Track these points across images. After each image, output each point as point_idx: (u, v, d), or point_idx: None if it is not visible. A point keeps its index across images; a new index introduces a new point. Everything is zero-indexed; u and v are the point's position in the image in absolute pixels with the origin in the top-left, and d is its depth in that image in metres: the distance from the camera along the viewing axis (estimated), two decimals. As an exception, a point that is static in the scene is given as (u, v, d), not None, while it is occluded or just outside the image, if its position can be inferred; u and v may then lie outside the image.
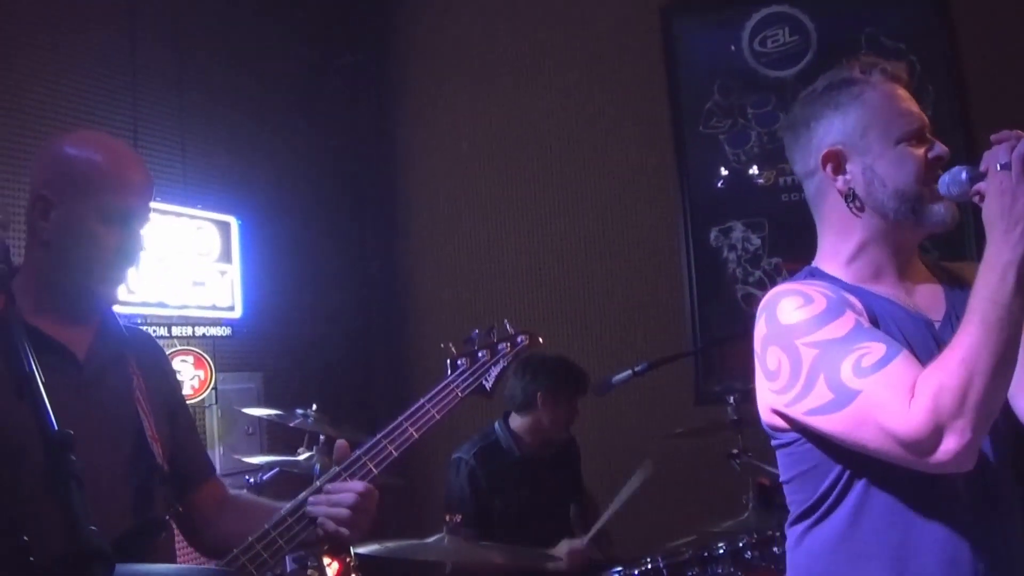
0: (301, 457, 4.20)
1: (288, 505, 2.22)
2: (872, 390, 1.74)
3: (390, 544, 3.59)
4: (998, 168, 1.75)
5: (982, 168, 1.80)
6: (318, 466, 4.12)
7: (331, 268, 5.89)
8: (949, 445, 1.66)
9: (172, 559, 2.34)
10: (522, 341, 2.58)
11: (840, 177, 2.00)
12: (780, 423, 1.97)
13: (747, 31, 5.57)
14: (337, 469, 2.27)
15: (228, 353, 4.95)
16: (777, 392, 1.92)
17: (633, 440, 5.43)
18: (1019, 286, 1.69)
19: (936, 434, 1.67)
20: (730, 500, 4.20)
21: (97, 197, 2.08)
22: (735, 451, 4.13)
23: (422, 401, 2.36)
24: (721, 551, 3.81)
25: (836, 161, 2.00)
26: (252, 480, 4.27)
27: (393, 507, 5.71)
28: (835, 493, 1.92)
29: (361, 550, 3.64)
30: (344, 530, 2.18)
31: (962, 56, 5.09)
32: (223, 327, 4.81)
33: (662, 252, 5.65)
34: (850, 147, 1.99)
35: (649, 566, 3.80)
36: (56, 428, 1.30)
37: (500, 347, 2.53)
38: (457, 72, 6.20)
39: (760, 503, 4.11)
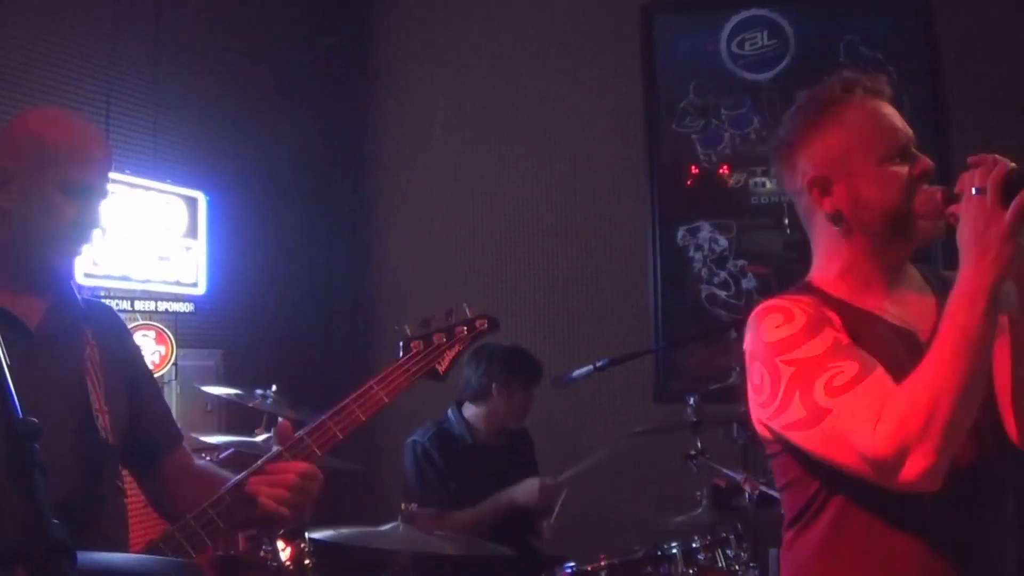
0: (259, 439, 4.18)
1: (228, 483, 2.16)
2: (842, 410, 1.77)
3: (344, 530, 3.58)
4: (973, 192, 1.75)
5: (957, 190, 1.81)
6: (275, 447, 4.11)
7: (297, 248, 5.87)
8: (914, 467, 1.68)
9: (123, 533, 2.32)
10: (481, 326, 2.50)
11: (827, 199, 1.99)
12: (767, 435, 2.00)
13: (726, 32, 5.59)
14: (279, 449, 2.21)
15: (190, 329, 4.92)
16: (760, 406, 1.95)
17: (591, 435, 5.46)
18: (988, 313, 1.70)
19: (900, 455, 1.68)
20: (684, 499, 4.23)
21: (58, 169, 2.07)
22: (692, 452, 4.15)
23: (371, 383, 2.29)
24: (674, 551, 3.82)
25: (821, 185, 1.99)
26: (208, 459, 4.26)
27: (348, 493, 5.74)
28: (815, 504, 1.95)
29: (315, 535, 3.63)
30: (283, 510, 2.11)
31: (941, 69, 5.13)
32: (186, 303, 4.78)
33: (629, 248, 5.67)
34: (834, 170, 1.98)
35: (603, 563, 3.80)
36: (21, 416, 1.28)
37: (457, 331, 2.45)
38: (434, 59, 6.19)
39: (715, 504, 4.14)
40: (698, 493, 4.19)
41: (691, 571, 3.80)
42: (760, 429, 2.04)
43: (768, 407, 1.92)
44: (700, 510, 4.15)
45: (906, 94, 5.10)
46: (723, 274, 5.52)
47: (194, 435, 4.38)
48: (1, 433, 1.27)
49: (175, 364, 4.67)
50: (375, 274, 6.25)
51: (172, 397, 4.76)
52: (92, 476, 2.11)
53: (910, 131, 2.00)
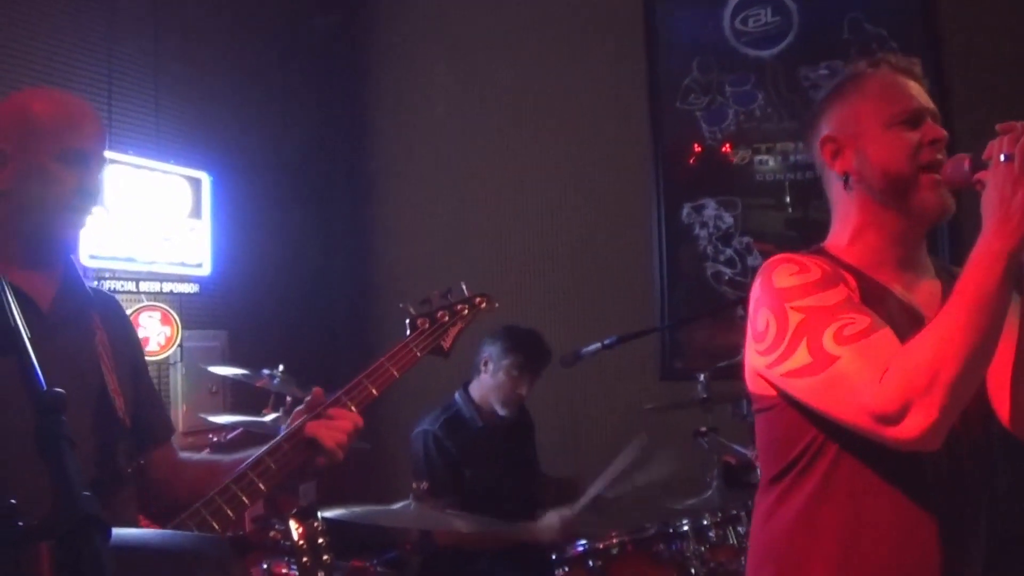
0: (267, 418, 4.17)
1: (283, 432, 2.23)
2: (849, 358, 1.78)
3: (356, 509, 3.57)
4: (1002, 159, 1.76)
5: (985, 156, 1.81)
6: (284, 427, 4.10)
7: (301, 228, 5.85)
8: (916, 421, 1.68)
9: (136, 514, 2.32)
10: (479, 303, 2.66)
11: (838, 161, 2.05)
12: (761, 387, 2.01)
13: (729, 9, 5.55)
14: (338, 394, 2.29)
15: (195, 310, 4.92)
16: (761, 353, 1.95)
17: (597, 413, 5.46)
18: (1006, 277, 1.71)
19: (903, 409, 1.69)
20: (694, 477, 4.22)
21: (53, 140, 2.09)
22: (703, 429, 4.14)
23: (382, 360, 2.38)
24: (685, 528, 3.82)
25: (832, 146, 2.05)
26: (216, 439, 4.25)
27: (356, 473, 5.73)
28: (804, 460, 1.95)
29: (328, 514, 3.62)
30: (340, 454, 2.20)
31: (943, 46, 5.10)
32: (191, 284, 4.77)
33: (634, 226, 5.64)
34: (846, 132, 2.04)
35: (614, 540, 3.80)
36: (45, 387, 1.27)
37: (459, 308, 2.59)
38: (435, 37, 6.16)
39: (725, 481, 4.13)
40: (708, 472, 4.18)
41: (702, 548, 3.81)
42: (752, 382, 2.05)
43: (771, 354, 1.92)
44: (711, 488, 4.14)
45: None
46: (728, 251, 5.50)
47: (201, 415, 4.38)
48: (24, 404, 1.25)
49: (180, 345, 4.66)
50: (378, 253, 6.23)
51: (178, 378, 4.76)
52: (111, 457, 2.12)
53: (930, 105, 2.03)
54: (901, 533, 1.89)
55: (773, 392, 1.98)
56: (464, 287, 2.66)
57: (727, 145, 5.54)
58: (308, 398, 2.30)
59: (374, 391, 2.33)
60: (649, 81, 5.67)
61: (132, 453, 2.26)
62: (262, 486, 2.15)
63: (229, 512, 2.10)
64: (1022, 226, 1.70)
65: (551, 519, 4.24)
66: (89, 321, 2.20)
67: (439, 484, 4.14)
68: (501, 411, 4.49)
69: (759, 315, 1.96)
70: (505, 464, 4.39)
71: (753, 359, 2.00)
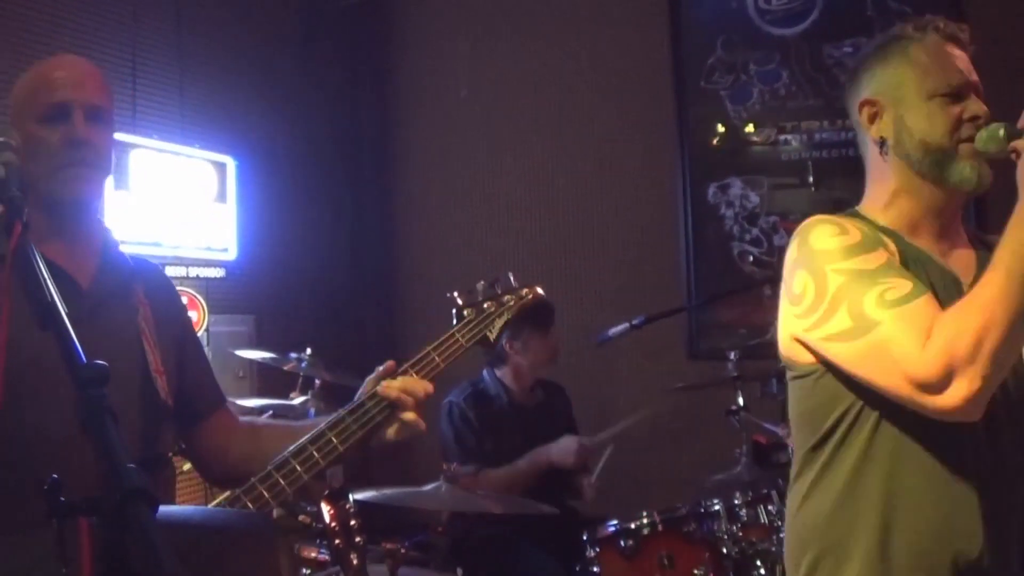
0: (296, 401, 4.18)
1: (360, 395, 2.24)
2: (891, 323, 1.75)
3: (387, 491, 3.57)
4: None
5: (1020, 125, 1.80)
6: (313, 410, 4.11)
7: (327, 212, 5.86)
8: (958, 390, 1.66)
9: (172, 498, 2.32)
10: (527, 295, 2.60)
11: (873, 125, 2.02)
12: (798, 353, 1.96)
13: (753, -13, 5.53)
14: (406, 364, 2.29)
15: (221, 295, 4.92)
16: (799, 316, 1.92)
17: (627, 392, 5.44)
18: None
19: (946, 377, 1.66)
20: (725, 456, 4.21)
21: (32, 105, 2.09)
22: (734, 407, 4.12)
23: (428, 350, 2.35)
24: (716, 507, 3.81)
25: (871, 109, 2.02)
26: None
27: (385, 455, 5.73)
28: (843, 428, 1.92)
29: (359, 496, 3.62)
30: (419, 418, 2.24)
31: (969, 21, 5.04)
32: (217, 268, 4.78)
33: (660, 207, 5.63)
34: (886, 97, 2.00)
35: (645, 520, 3.79)
36: (85, 360, 1.26)
37: (506, 299, 2.54)
38: (459, 18, 6.14)
39: (755, 460, 4.12)
40: (737, 450, 4.17)
41: (734, 527, 3.79)
42: (788, 347, 1.99)
43: (809, 316, 1.89)
44: (740, 467, 4.13)
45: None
46: (755, 231, 5.47)
47: (229, 400, 4.38)
48: (65, 379, 1.24)
49: (207, 330, 4.66)
50: (404, 235, 6.23)
51: (206, 362, 4.76)
52: (153, 439, 2.10)
53: (974, 78, 2.00)
54: (942, 504, 1.86)
55: (810, 358, 1.93)
56: (511, 277, 2.60)
57: (753, 124, 5.51)
58: (381, 368, 2.29)
59: (421, 378, 2.30)
60: (673, 60, 5.64)
61: (174, 435, 2.25)
62: (340, 446, 2.15)
63: (302, 471, 2.11)
64: None
65: (567, 441, 4.27)
66: (132, 296, 2.17)
67: (463, 451, 4.19)
68: (547, 372, 4.55)
69: (796, 277, 1.93)
70: (530, 441, 4.38)
71: (789, 323, 1.96)
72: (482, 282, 2.55)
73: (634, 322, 4.24)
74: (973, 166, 1.93)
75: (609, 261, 5.70)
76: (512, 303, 2.54)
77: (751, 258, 5.48)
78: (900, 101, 1.98)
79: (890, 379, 1.75)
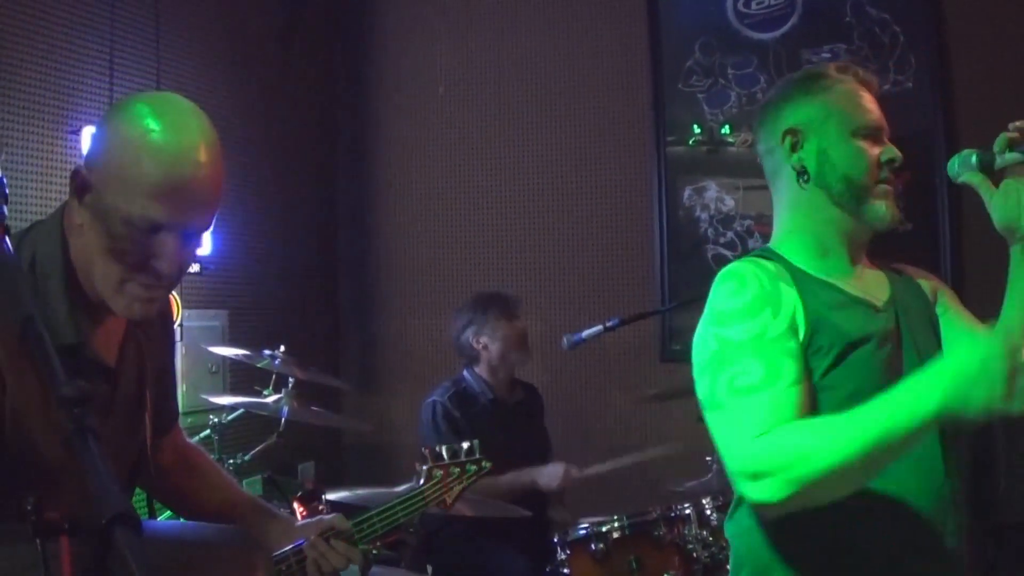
0: (269, 399, 4.17)
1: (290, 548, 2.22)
2: (732, 412, 1.84)
3: (360, 491, 3.58)
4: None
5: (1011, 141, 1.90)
6: (286, 408, 4.11)
7: (302, 208, 5.84)
8: (761, 493, 1.74)
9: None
10: (487, 467, 2.75)
11: (795, 154, 2.10)
12: None
13: (732, -9, 5.54)
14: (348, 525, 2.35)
15: (195, 290, 4.89)
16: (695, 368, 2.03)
17: (598, 395, 5.46)
18: (921, 430, 1.68)
19: (755, 477, 1.74)
20: (696, 461, 4.24)
21: (129, 188, 1.76)
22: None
23: (394, 502, 2.49)
24: (687, 512, 3.83)
25: (794, 138, 2.10)
26: (216, 420, 4.25)
27: (358, 455, 5.75)
28: None
29: (332, 496, 3.63)
30: None
31: (946, 29, 5.09)
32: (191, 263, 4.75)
33: (635, 209, 5.65)
34: (810, 129, 2.09)
35: (616, 524, 3.81)
36: (64, 382, 1.25)
37: (469, 468, 2.71)
38: (436, 16, 6.12)
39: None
40: (708, 456, 4.19)
41: (704, 532, 3.82)
42: None
43: (696, 371, 2.00)
44: (711, 472, 4.16)
45: (912, 54, 5.08)
46: (730, 234, 5.49)
47: (201, 396, 4.37)
48: (46, 401, 1.24)
49: (180, 325, 4.64)
50: (378, 233, 6.21)
51: (178, 358, 4.74)
52: (136, 467, 2.08)
53: (886, 124, 2.11)
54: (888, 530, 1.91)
55: None
56: (477, 448, 2.74)
57: (729, 127, 5.54)
58: (329, 518, 2.34)
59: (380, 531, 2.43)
60: (651, 63, 5.65)
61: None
62: None
63: None
64: (975, 400, 1.59)
65: (556, 468, 4.31)
66: (140, 351, 2.05)
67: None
68: (521, 359, 4.59)
69: (700, 330, 2.04)
70: (514, 440, 4.40)
71: None
72: (446, 447, 2.70)
73: (608, 324, 4.25)
74: (888, 205, 2.04)
75: (583, 262, 5.71)
76: (474, 473, 2.71)
77: (726, 261, 5.49)
78: (824, 134, 2.07)
79: (725, 457, 1.85)
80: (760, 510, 1.83)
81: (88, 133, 4.14)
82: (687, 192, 5.56)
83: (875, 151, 2.04)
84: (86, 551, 1.12)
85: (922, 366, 1.74)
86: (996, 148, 1.88)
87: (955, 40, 5.11)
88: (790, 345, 1.90)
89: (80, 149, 4.13)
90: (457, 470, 2.66)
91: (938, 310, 2.13)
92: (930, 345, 2.03)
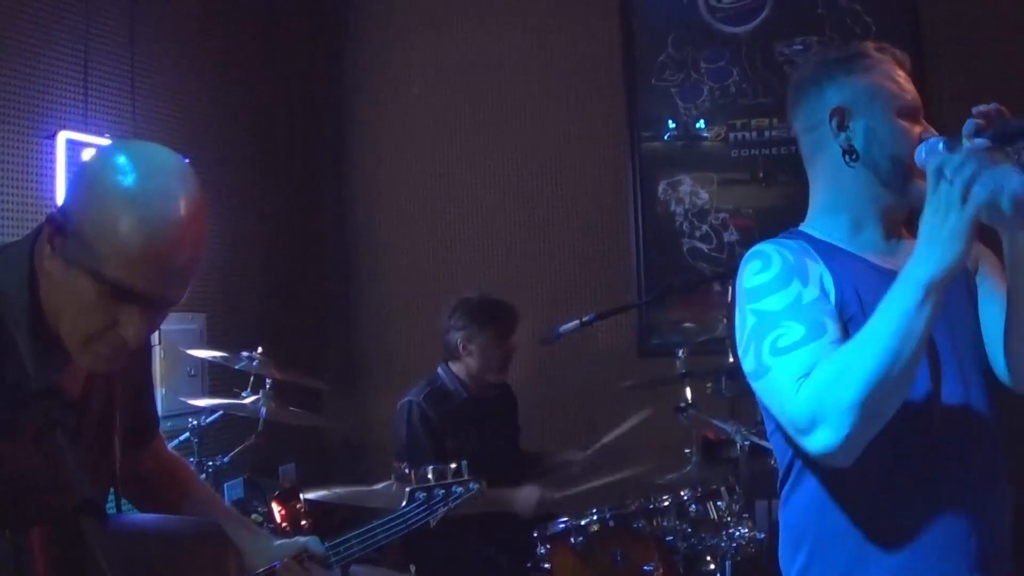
0: (247, 400, 4.16)
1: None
2: (777, 370, 1.87)
3: (338, 490, 3.58)
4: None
5: (975, 130, 1.86)
6: (264, 409, 4.10)
7: (281, 209, 5.82)
8: (822, 438, 1.75)
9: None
10: (474, 488, 2.68)
11: (843, 133, 2.08)
12: None
13: (704, -15, 5.57)
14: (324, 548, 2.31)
15: (172, 294, 4.86)
16: (740, 350, 2.03)
17: (576, 390, 5.47)
18: (924, 304, 1.72)
19: (811, 423, 1.76)
20: (674, 453, 4.26)
21: (102, 257, 1.71)
22: (683, 404, 4.17)
23: (374, 524, 2.44)
24: (666, 503, 3.85)
25: (841, 117, 2.08)
26: (195, 423, 4.24)
27: (338, 454, 5.74)
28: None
29: (310, 496, 3.63)
30: None
31: (920, 20, 5.12)
32: (168, 266, 4.72)
33: (610, 203, 5.66)
34: (857, 107, 2.07)
35: (595, 517, 3.83)
36: (32, 377, 1.26)
37: (455, 490, 2.64)
38: (411, 15, 6.12)
39: (704, 456, 4.17)
40: (687, 448, 4.21)
41: (683, 523, 3.84)
42: None
43: (740, 351, 2.01)
44: (690, 464, 4.18)
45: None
46: (705, 227, 5.53)
47: (180, 399, 4.36)
48: (16, 395, 1.25)
49: (158, 330, 4.61)
50: (358, 233, 6.21)
51: (156, 361, 4.73)
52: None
53: (921, 103, 2.10)
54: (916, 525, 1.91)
55: None
56: (464, 469, 2.68)
57: (703, 121, 5.57)
58: (304, 548, 2.28)
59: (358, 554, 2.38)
60: (624, 58, 5.68)
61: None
62: None
63: None
64: (945, 256, 1.71)
65: (530, 493, 4.28)
66: (111, 381, 1.97)
67: (419, 453, 4.14)
68: (497, 378, 4.57)
69: (738, 312, 2.04)
70: (487, 437, 4.41)
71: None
72: (433, 466, 2.66)
73: (584, 319, 4.27)
74: None
75: (559, 257, 5.73)
76: (460, 495, 2.64)
77: (701, 254, 5.53)
78: (872, 114, 2.06)
79: (781, 418, 1.88)
80: (829, 461, 1.81)
81: (64, 138, 4.13)
82: (662, 186, 5.59)
83: (916, 130, 2.03)
84: (56, 541, 1.13)
85: (953, 338, 1.89)
86: (964, 133, 1.89)
87: (928, 29, 5.15)
88: (828, 307, 1.93)
89: (55, 154, 4.11)
90: (442, 492, 2.63)
91: (977, 279, 2.12)
92: (962, 315, 2.03)
